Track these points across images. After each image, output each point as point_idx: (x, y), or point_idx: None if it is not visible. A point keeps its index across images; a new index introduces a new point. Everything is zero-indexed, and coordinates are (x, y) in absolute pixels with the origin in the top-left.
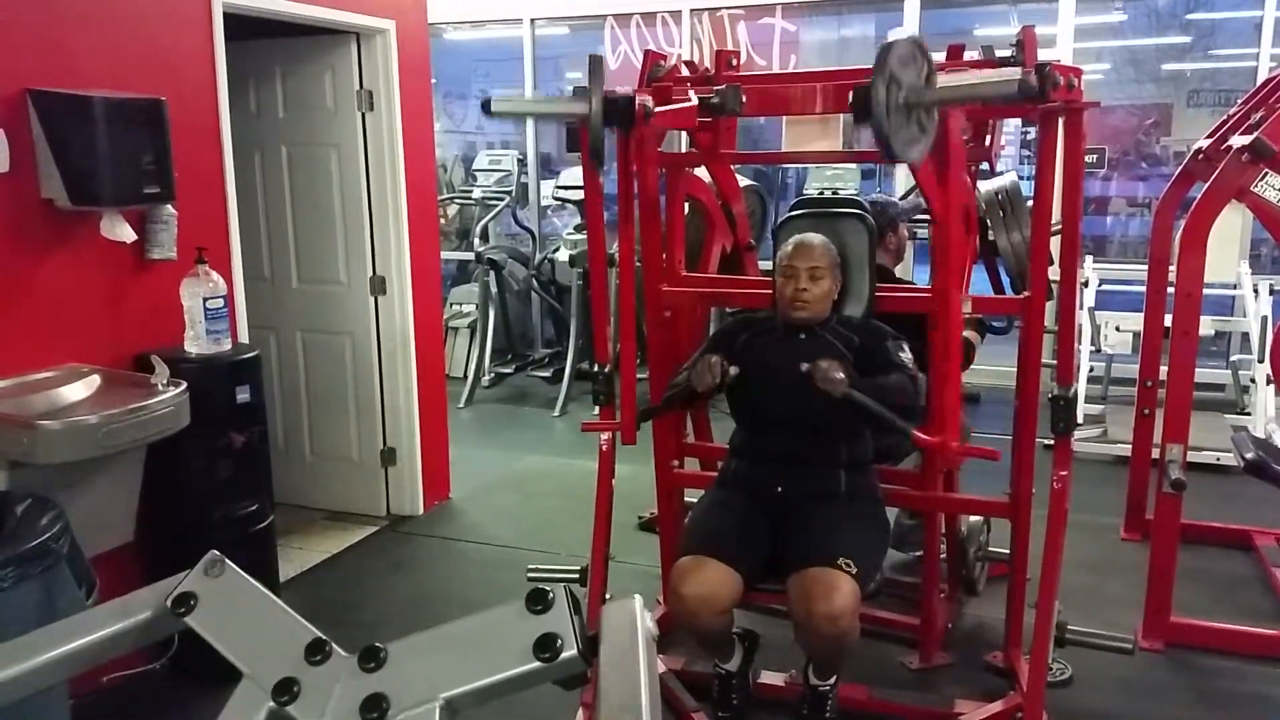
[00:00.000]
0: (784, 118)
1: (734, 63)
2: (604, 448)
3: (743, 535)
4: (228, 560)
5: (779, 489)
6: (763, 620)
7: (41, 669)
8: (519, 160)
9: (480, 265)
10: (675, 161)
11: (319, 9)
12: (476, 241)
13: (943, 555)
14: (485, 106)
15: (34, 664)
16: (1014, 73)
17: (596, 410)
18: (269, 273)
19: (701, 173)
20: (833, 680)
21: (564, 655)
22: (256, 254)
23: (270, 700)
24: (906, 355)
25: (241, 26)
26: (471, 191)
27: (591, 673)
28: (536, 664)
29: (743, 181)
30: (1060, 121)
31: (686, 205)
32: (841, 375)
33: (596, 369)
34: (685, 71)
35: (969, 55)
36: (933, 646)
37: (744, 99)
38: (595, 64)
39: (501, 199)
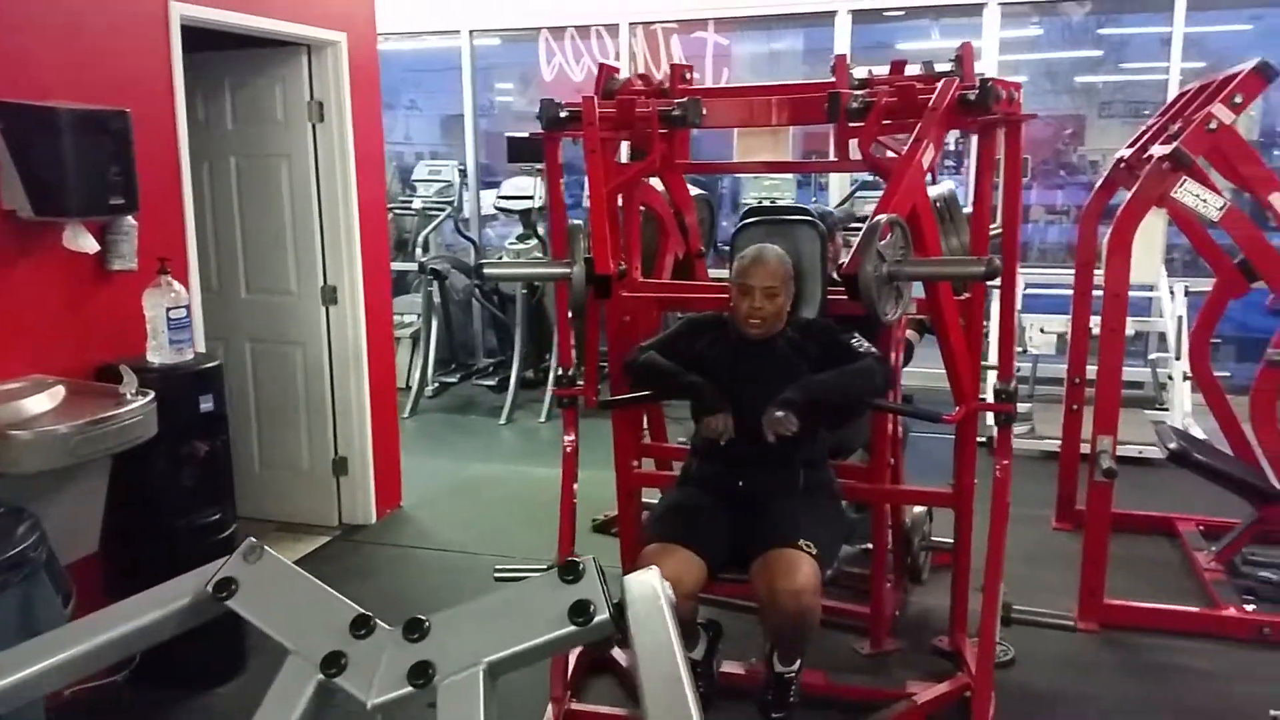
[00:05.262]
0: (736, 129)
1: (688, 76)
2: (567, 449)
3: (706, 525)
4: (266, 546)
5: (740, 484)
6: (723, 614)
7: (89, 655)
8: (460, 170)
9: (423, 275)
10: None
11: (274, 21)
12: (418, 252)
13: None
14: (478, 271)
15: (81, 650)
16: (980, 261)
17: (543, 417)
18: (217, 283)
19: (655, 182)
20: (796, 666)
21: (596, 619)
22: (205, 264)
23: (319, 674)
24: (865, 344)
25: (190, 39)
26: (411, 202)
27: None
28: (572, 628)
29: (693, 191)
30: (1000, 133)
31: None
32: (787, 417)
33: (561, 372)
34: (639, 85)
35: (910, 70)
36: (882, 633)
37: (704, 111)
38: (574, 233)
39: (443, 209)
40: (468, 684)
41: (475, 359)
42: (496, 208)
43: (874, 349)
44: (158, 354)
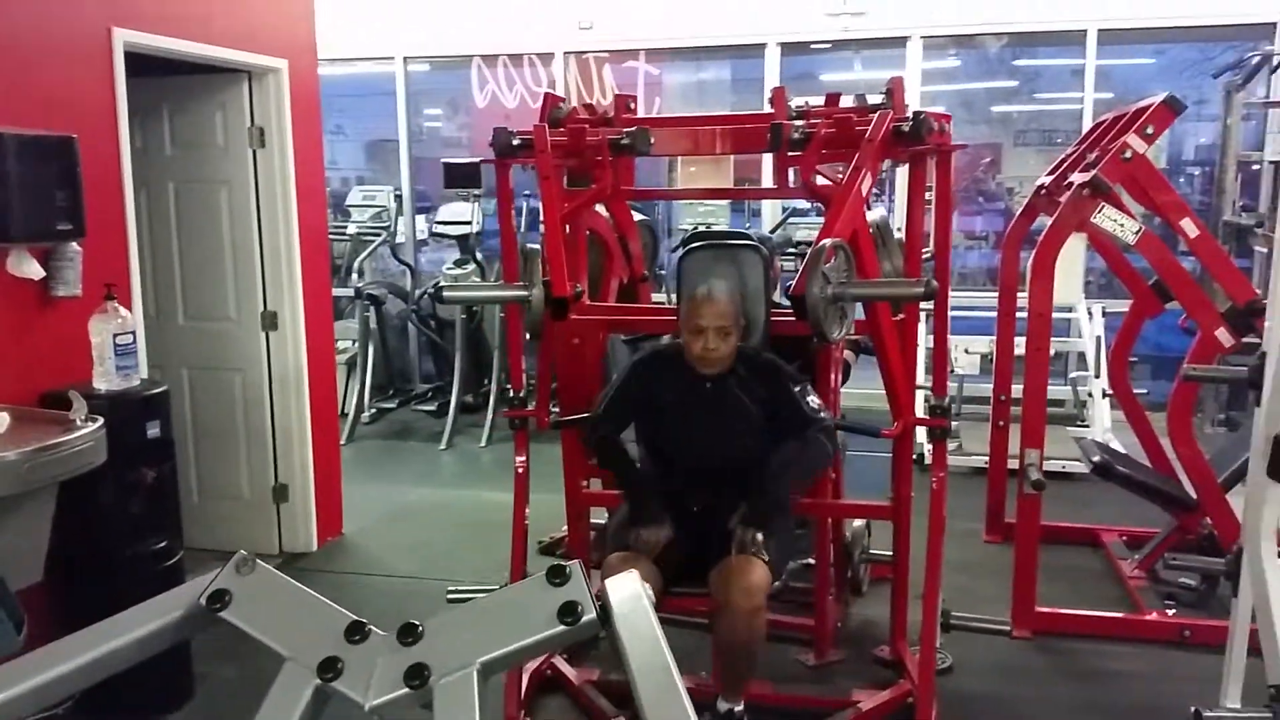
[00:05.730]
0: (680, 157)
1: (631, 106)
2: (519, 470)
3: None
4: (258, 559)
5: (695, 509)
6: (672, 631)
7: (82, 670)
8: (396, 196)
9: (360, 301)
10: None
11: (217, 49)
12: (354, 277)
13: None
14: (438, 295)
15: (75, 665)
16: (918, 282)
17: (484, 442)
18: (154, 310)
19: (599, 208)
20: (741, 706)
21: (585, 619)
22: (142, 291)
23: (316, 679)
24: (813, 401)
25: (128, 64)
26: (345, 227)
27: (608, 635)
28: (561, 628)
29: (635, 217)
30: (931, 162)
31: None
32: (760, 547)
33: (512, 394)
34: (583, 114)
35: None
36: (826, 644)
37: (652, 140)
38: (532, 256)
39: (378, 235)
40: (462, 683)
41: (413, 384)
42: (434, 233)
43: (823, 410)
44: (104, 380)
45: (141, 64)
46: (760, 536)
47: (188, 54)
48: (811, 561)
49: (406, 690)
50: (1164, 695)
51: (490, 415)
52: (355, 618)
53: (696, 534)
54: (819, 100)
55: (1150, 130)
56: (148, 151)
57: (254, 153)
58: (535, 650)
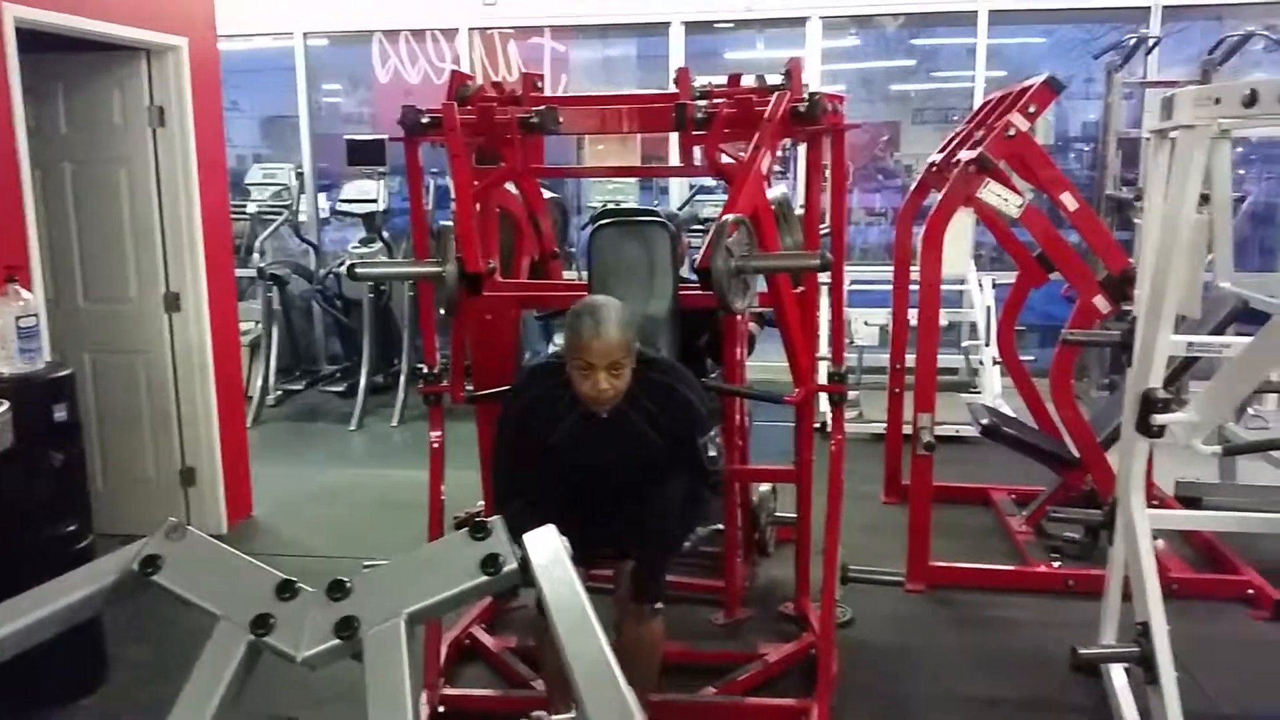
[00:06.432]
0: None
1: (539, 84)
2: (434, 445)
3: (565, 520)
4: (189, 526)
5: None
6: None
7: (11, 637)
8: (297, 173)
9: (262, 281)
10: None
11: (113, 26)
12: (255, 257)
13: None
14: (350, 271)
15: (9, 630)
16: (815, 255)
17: (395, 421)
18: (52, 293)
19: (509, 186)
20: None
21: (506, 569)
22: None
23: (249, 635)
24: (714, 451)
25: (19, 40)
26: (245, 206)
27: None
28: (484, 578)
29: (546, 194)
30: (826, 141)
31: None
32: (657, 607)
33: (426, 371)
34: (491, 92)
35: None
36: (735, 603)
37: (561, 119)
38: (445, 233)
39: (279, 214)
40: (391, 633)
41: (319, 366)
42: (338, 211)
43: (721, 458)
44: (7, 364)
45: (34, 41)
46: (660, 605)
47: (83, 31)
48: (721, 526)
49: (337, 641)
50: (1049, 639)
51: (401, 395)
52: (285, 576)
53: (598, 524)
54: (722, 80)
55: (1032, 109)
56: (42, 131)
57: (154, 132)
58: (460, 600)
